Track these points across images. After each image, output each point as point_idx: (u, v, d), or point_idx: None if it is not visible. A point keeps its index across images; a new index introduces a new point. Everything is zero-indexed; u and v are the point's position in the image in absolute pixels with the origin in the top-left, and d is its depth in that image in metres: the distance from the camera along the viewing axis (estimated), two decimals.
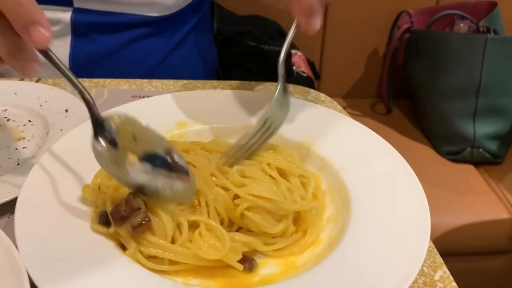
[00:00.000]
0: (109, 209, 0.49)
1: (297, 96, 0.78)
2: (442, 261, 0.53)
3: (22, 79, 0.78)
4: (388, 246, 0.48)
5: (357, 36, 1.60)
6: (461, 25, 1.43)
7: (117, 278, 0.45)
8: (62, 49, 0.88)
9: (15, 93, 0.74)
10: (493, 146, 1.40)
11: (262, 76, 0.88)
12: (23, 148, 0.65)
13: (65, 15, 0.86)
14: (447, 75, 1.39)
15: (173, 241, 0.49)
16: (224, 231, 0.49)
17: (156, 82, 0.81)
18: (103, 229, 0.49)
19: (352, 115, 0.68)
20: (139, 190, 0.49)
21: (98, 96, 0.76)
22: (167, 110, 0.66)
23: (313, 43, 1.59)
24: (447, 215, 1.25)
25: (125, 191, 0.51)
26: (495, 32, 1.39)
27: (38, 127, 0.68)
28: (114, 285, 0.44)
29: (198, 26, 1.01)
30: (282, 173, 0.55)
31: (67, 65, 0.88)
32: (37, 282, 0.43)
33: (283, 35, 1.02)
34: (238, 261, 0.48)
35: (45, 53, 0.46)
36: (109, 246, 0.48)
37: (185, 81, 0.82)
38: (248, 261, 0.48)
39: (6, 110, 0.72)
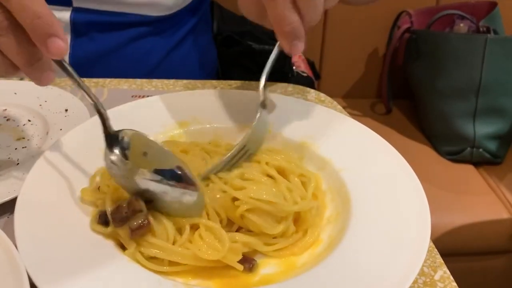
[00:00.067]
0: (108, 209, 0.49)
1: (297, 96, 0.78)
2: (442, 261, 0.53)
3: (21, 79, 0.78)
4: (388, 246, 0.48)
5: (357, 36, 1.60)
6: (461, 25, 1.43)
7: (117, 278, 0.45)
8: None
9: (15, 93, 0.74)
10: (493, 146, 1.40)
11: None
12: (23, 148, 0.64)
13: (65, 15, 0.86)
14: (447, 75, 1.39)
15: (173, 243, 0.49)
16: (223, 231, 0.49)
17: (156, 82, 0.81)
18: (102, 229, 0.49)
19: (352, 115, 0.68)
20: (147, 203, 0.50)
21: (98, 96, 0.75)
22: (167, 109, 0.66)
23: (313, 43, 1.59)
24: (447, 215, 1.25)
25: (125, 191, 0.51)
26: (495, 32, 1.39)
27: (37, 126, 0.68)
28: (114, 285, 0.44)
29: (198, 26, 1.01)
30: (282, 172, 0.55)
31: None
32: (36, 282, 0.42)
33: None
34: (238, 262, 0.48)
35: (60, 62, 0.47)
36: (109, 246, 0.48)
37: (185, 81, 0.82)
38: (248, 261, 0.48)
39: (5, 110, 0.72)
